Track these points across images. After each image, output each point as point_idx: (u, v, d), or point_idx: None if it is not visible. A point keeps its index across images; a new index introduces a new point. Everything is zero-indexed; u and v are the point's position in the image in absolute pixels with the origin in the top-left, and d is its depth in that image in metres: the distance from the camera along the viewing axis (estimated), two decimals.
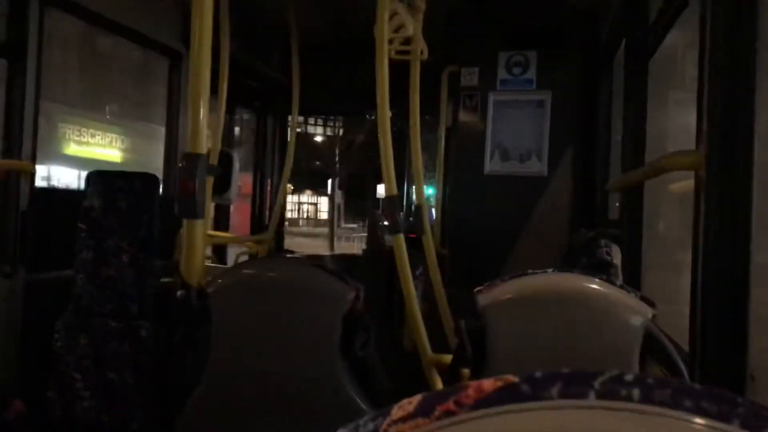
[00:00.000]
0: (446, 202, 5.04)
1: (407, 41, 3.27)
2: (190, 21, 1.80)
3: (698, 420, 0.45)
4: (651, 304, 1.65)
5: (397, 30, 2.96)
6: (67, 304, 3.01)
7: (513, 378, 0.50)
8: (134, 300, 3.06)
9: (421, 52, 3.45)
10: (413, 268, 2.87)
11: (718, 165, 1.49)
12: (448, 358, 2.53)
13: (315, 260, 2.00)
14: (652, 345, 1.63)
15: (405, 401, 0.52)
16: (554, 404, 0.47)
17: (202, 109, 1.81)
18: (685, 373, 1.61)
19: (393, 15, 2.88)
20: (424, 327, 2.79)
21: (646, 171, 2.47)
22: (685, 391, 0.47)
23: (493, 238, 4.47)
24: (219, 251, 5.55)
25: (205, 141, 1.85)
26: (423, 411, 0.50)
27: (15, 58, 3.03)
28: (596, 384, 0.47)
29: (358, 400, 1.82)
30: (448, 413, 0.49)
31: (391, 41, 2.93)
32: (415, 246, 3.88)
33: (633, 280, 2.72)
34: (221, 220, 5.52)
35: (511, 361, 1.63)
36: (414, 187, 4.36)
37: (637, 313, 1.63)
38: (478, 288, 1.73)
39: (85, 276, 3.06)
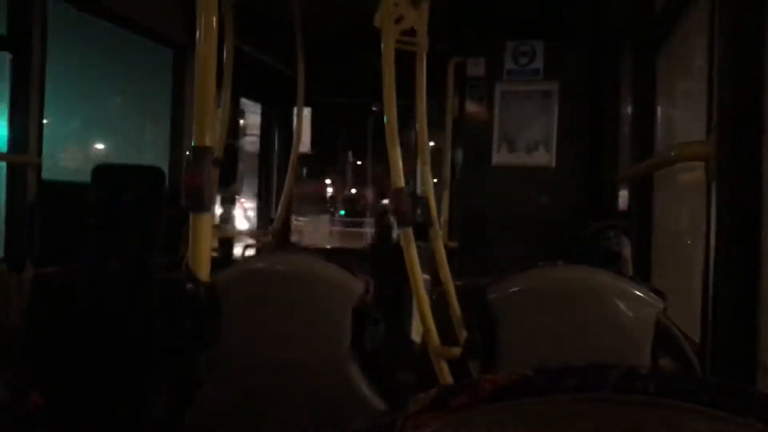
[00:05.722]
0: (454, 193, 5.03)
1: (412, 32, 3.25)
2: (193, 13, 1.79)
3: (714, 413, 0.45)
4: (662, 296, 1.64)
5: (398, 20, 2.94)
6: (75, 298, 3.01)
7: (528, 371, 0.49)
8: (142, 294, 3.07)
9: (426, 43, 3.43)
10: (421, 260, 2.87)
11: (728, 155, 1.48)
12: (457, 350, 2.52)
13: (324, 253, 1.99)
14: (663, 337, 1.62)
15: (421, 395, 0.51)
16: (570, 397, 0.47)
17: (209, 101, 1.80)
18: (697, 365, 1.60)
19: (397, 6, 2.86)
20: (433, 319, 2.78)
21: (656, 162, 2.46)
22: (701, 384, 0.46)
23: (501, 229, 4.46)
24: (225, 245, 5.55)
25: (211, 133, 1.84)
26: (440, 404, 0.50)
27: (19, 51, 3.03)
28: (611, 377, 0.47)
29: (367, 392, 1.82)
30: (464, 406, 0.49)
31: (396, 32, 2.91)
32: (423, 238, 3.87)
33: (642, 272, 2.71)
34: (227, 213, 5.51)
35: (522, 354, 1.62)
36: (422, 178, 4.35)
37: (648, 306, 1.62)
38: (487, 281, 1.72)
39: (93, 269, 3.06)
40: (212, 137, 1.84)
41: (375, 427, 0.50)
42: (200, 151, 1.72)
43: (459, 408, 0.49)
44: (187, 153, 1.74)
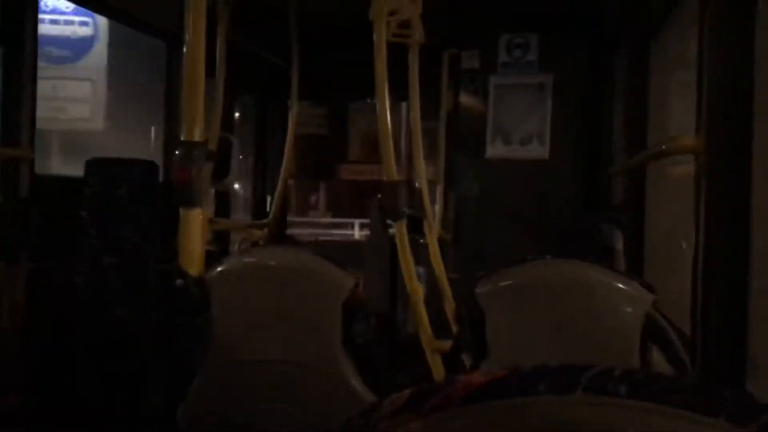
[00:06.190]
0: (448, 186, 5.02)
1: (406, 24, 3.24)
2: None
3: (685, 414, 0.45)
4: (652, 290, 1.64)
5: (392, 13, 2.92)
6: (71, 292, 3.01)
7: (501, 372, 0.49)
8: (137, 288, 3.07)
9: (420, 35, 3.42)
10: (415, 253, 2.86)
11: (718, 148, 1.48)
12: (450, 344, 2.53)
13: (316, 248, 1.99)
14: (653, 331, 1.62)
15: (396, 395, 0.51)
16: (540, 399, 0.47)
17: (198, 95, 1.79)
18: (687, 359, 1.61)
19: None
20: (427, 313, 2.79)
21: (648, 155, 2.46)
22: (674, 386, 0.47)
23: (495, 222, 4.46)
24: (220, 238, 5.53)
25: (203, 127, 1.83)
26: (413, 406, 0.50)
27: (11, 44, 3.01)
28: (584, 379, 0.47)
29: (357, 387, 1.82)
30: (438, 408, 0.49)
31: (389, 24, 2.90)
32: (417, 231, 3.87)
33: (635, 265, 2.71)
34: (222, 206, 5.49)
35: (512, 348, 1.63)
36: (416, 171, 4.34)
37: (637, 300, 1.62)
38: (478, 275, 1.73)
39: (88, 264, 3.06)
40: (205, 131, 1.83)
41: (350, 428, 0.50)
42: (189, 146, 1.71)
43: (433, 409, 0.49)
44: (177, 147, 1.73)
